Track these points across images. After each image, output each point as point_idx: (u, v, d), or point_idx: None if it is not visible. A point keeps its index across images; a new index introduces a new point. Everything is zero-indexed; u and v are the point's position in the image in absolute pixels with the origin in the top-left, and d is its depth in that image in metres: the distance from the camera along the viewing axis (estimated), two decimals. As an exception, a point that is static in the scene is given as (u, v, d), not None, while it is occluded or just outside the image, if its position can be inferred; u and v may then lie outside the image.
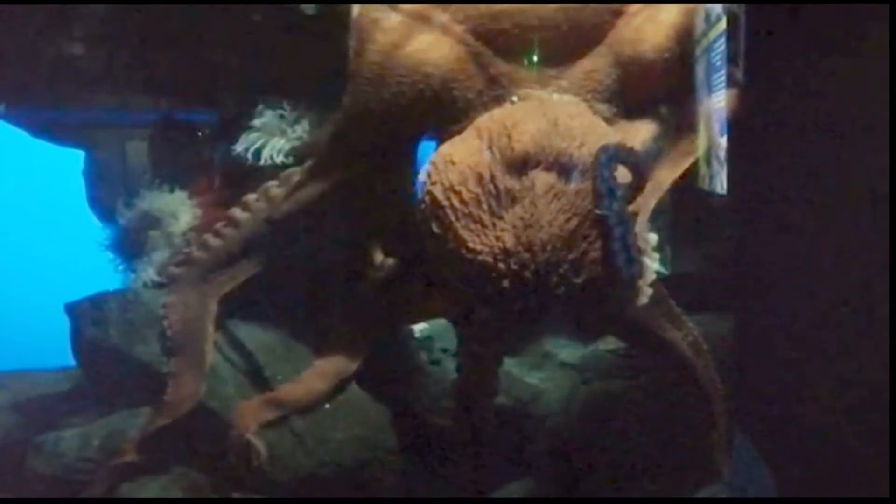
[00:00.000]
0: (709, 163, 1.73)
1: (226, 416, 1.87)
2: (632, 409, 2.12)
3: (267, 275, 1.86)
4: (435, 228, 1.30)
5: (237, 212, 1.74)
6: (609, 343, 2.20)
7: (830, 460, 1.71)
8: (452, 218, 1.27)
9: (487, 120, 1.40)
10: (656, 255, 1.51)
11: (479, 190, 1.26)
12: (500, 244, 1.22)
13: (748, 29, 1.63)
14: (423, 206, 1.36)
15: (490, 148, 1.30)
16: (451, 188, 1.28)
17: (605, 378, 2.18)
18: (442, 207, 1.28)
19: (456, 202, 1.27)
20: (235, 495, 1.86)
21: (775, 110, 1.81)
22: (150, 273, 2.10)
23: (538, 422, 2.13)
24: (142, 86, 2.15)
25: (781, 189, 1.86)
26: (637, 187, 1.20)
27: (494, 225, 1.23)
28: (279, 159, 1.92)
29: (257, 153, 1.94)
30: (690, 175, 1.65)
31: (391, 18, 1.46)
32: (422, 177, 1.39)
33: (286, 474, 1.87)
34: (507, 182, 1.24)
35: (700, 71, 1.67)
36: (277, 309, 2.07)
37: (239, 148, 1.97)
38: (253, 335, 2.02)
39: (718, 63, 1.62)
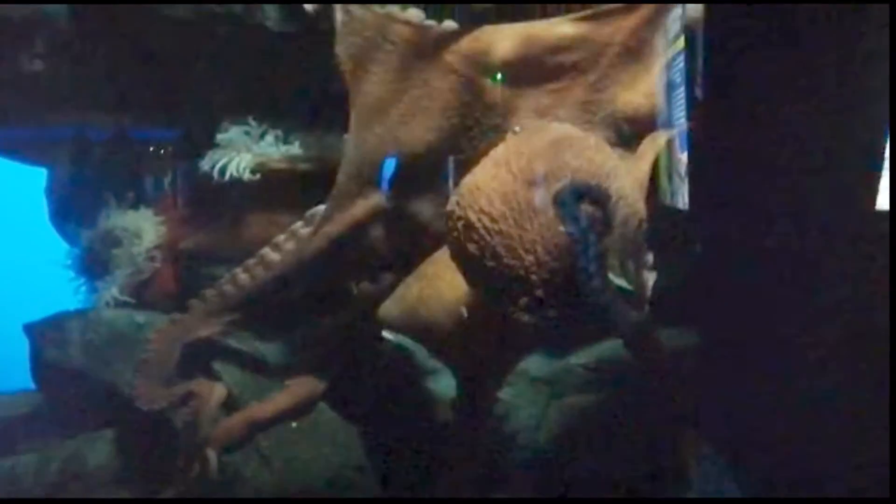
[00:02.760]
0: (670, 178, 1.76)
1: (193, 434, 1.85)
2: (603, 423, 2.13)
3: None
4: (472, 250, 1.37)
5: (268, 252, 1.79)
6: (580, 357, 2.21)
7: (797, 472, 1.73)
8: (487, 238, 1.35)
9: (502, 149, 1.50)
10: (654, 273, 1.59)
11: (505, 208, 1.35)
12: (531, 256, 1.30)
13: (709, 45, 1.68)
14: (455, 233, 1.43)
15: (510, 171, 1.39)
16: (482, 210, 1.36)
17: (576, 392, 2.19)
18: (476, 229, 1.36)
19: (487, 222, 1.35)
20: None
21: (736, 125, 1.86)
22: (112, 292, 2.07)
23: (510, 437, 2.12)
24: (105, 103, 2.13)
25: (744, 201, 1.90)
26: (605, 221, 1.29)
27: (522, 237, 1.31)
28: (245, 175, 1.91)
29: (223, 170, 1.93)
30: (654, 190, 1.69)
31: (387, 52, 1.60)
32: (449, 207, 1.46)
33: (252, 494, 1.84)
34: (529, 196, 1.34)
35: (660, 89, 1.72)
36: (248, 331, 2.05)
37: (205, 165, 1.96)
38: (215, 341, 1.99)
39: (678, 80, 1.67)
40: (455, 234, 1.43)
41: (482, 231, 1.36)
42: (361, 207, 1.69)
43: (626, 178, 1.49)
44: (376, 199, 1.69)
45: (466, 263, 1.43)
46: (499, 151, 1.49)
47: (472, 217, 1.38)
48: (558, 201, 1.25)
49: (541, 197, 1.34)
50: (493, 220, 1.36)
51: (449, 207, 1.48)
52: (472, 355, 1.70)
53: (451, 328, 1.66)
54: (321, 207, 1.72)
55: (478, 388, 1.74)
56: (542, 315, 1.32)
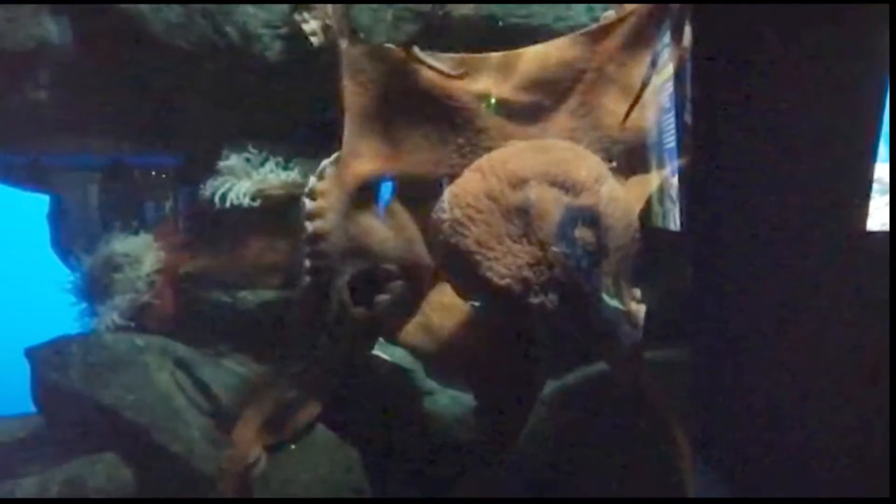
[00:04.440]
0: (662, 202, 1.80)
1: (190, 459, 1.85)
2: (597, 441, 2.14)
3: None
4: (460, 244, 1.46)
5: (312, 226, 1.67)
6: (577, 377, 2.23)
7: (790, 488, 1.74)
8: (474, 229, 1.45)
9: (485, 159, 1.58)
10: (643, 305, 1.69)
11: (491, 203, 1.45)
12: (518, 245, 1.41)
13: (697, 70, 1.72)
14: (441, 235, 1.50)
15: (494, 174, 1.49)
16: (469, 205, 1.47)
17: (570, 411, 2.20)
18: (463, 224, 1.46)
19: (474, 213, 1.46)
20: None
21: (726, 149, 1.89)
22: (113, 316, 2.09)
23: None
24: (107, 130, 2.16)
25: (735, 223, 1.92)
26: (600, 243, 1.35)
27: (509, 229, 1.42)
28: (245, 202, 1.94)
29: (223, 196, 1.96)
30: (646, 213, 1.73)
31: (381, 74, 1.68)
32: (436, 214, 1.53)
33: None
34: (513, 197, 1.44)
35: (651, 115, 1.76)
36: (242, 350, 2.07)
37: (206, 192, 1.99)
38: (217, 377, 2.01)
39: (667, 106, 1.71)
40: (442, 236, 1.48)
41: (469, 224, 1.45)
42: (368, 161, 1.69)
43: (617, 184, 1.54)
44: (381, 153, 1.69)
45: (455, 261, 1.49)
46: (482, 161, 1.58)
47: (459, 213, 1.47)
48: (557, 226, 1.31)
49: (525, 196, 1.41)
50: (479, 211, 1.45)
51: (434, 215, 1.53)
52: (490, 374, 1.74)
53: (470, 349, 1.74)
54: (326, 162, 1.70)
55: (499, 410, 1.78)
56: (531, 302, 1.38)
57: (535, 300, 1.39)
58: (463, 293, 1.61)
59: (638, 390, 1.69)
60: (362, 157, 1.69)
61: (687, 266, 2.00)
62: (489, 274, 1.41)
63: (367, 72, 1.68)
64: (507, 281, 1.40)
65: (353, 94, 1.67)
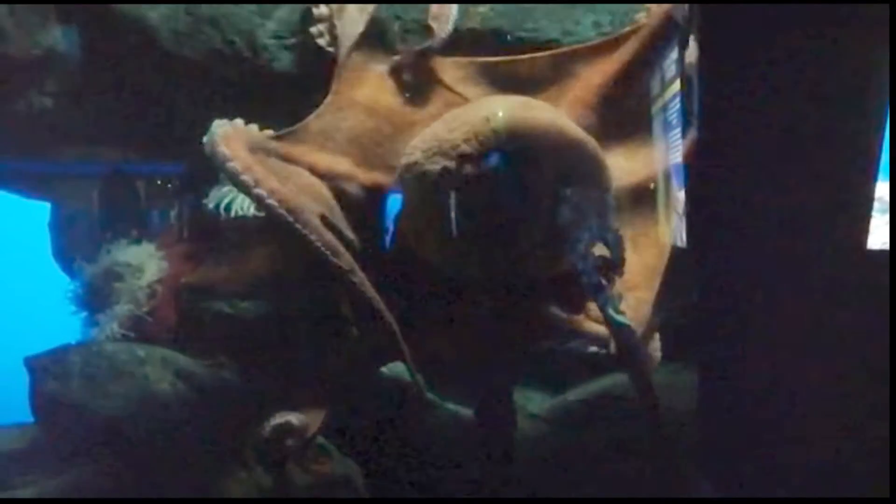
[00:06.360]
0: (668, 217, 1.80)
1: (190, 471, 1.84)
2: (600, 459, 2.13)
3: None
4: (411, 162, 1.56)
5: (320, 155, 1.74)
6: (578, 393, 2.22)
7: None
8: (421, 145, 1.56)
9: None
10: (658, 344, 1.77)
11: (440, 124, 1.57)
12: (455, 134, 1.51)
13: (702, 87, 1.72)
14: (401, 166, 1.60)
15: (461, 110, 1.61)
16: (423, 131, 1.60)
17: (573, 428, 2.19)
18: (415, 146, 1.58)
19: (427, 138, 1.57)
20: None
21: (732, 165, 1.89)
22: (114, 326, 2.08)
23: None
24: (112, 139, 2.16)
25: (742, 238, 1.92)
26: (615, 264, 1.40)
27: (451, 129, 1.52)
28: (250, 212, 1.94)
29: (228, 206, 1.95)
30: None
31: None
32: None
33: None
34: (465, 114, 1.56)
35: (658, 128, 1.76)
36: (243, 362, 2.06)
37: (210, 202, 1.98)
38: (218, 388, 2.00)
39: (674, 121, 1.71)
40: (402, 165, 1.60)
41: (419, 143, 1.56)
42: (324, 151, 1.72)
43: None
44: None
45: (409, 180, 1.57)
46: None
47: (415, 141, 1.59)
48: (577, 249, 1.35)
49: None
50: (433, 134, 1.56)
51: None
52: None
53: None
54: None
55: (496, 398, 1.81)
56: (468, 173, 1.48)
57: (471, 171, 1.46)
58: (418, 224, 1.62)
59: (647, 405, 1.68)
60: (318, 145, 1.73)
61: (692, 282, 2.00)
62: (429, 167, 1.51)
63: (368, 74, 1.70)
64: (441, 164, 1.49)
65: (344, 86, 1.72)
